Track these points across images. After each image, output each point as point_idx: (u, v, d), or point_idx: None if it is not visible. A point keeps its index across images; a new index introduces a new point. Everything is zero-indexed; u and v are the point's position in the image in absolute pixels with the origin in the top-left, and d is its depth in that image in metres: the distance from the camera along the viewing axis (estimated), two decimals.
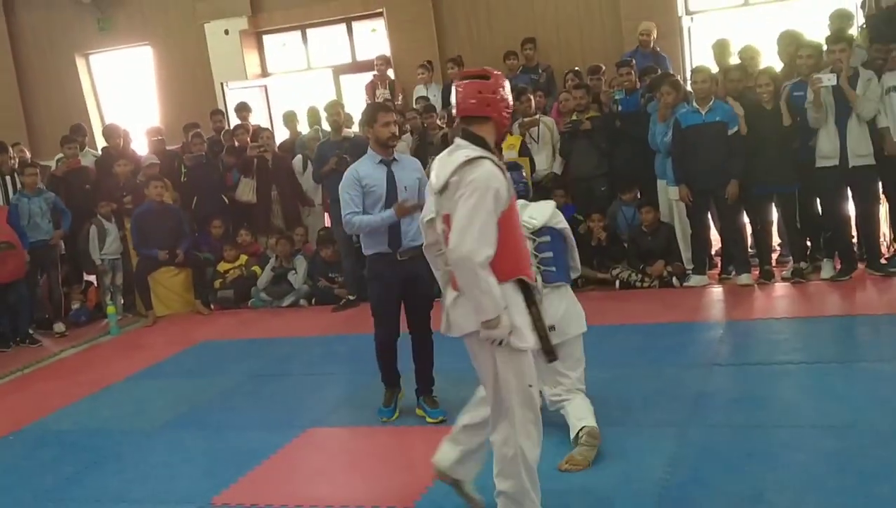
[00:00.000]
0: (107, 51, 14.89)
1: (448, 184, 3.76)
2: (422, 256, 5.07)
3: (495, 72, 3.97)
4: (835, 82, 7.40)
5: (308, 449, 5.57)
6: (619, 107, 8.94)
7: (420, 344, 5.70)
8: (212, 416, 6.35)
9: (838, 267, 7.95)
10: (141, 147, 11.19)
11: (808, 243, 8.29)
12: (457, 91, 3.90)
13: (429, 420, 5.61)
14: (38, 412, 6.90)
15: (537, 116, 9.04)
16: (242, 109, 11.19)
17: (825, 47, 7.74)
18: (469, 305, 3.74)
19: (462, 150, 3.79)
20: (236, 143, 10.38)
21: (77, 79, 14.82)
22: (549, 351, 3.89)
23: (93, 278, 10.18)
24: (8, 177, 9.59)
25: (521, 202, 4.69)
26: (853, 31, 8.44)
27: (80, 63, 14.88)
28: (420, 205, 5.24)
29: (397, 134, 5.76)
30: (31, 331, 9.23)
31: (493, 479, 3.94)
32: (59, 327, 9.49)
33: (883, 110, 7.59)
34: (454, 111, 4.01)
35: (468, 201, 3.64)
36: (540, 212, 5.09)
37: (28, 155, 11.07)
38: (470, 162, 3.71)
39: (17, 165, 9.83)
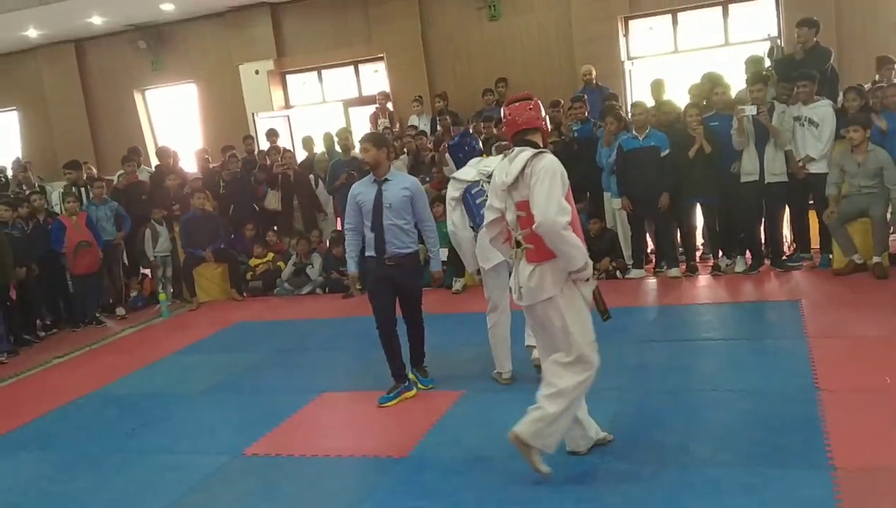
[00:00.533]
0: (159, 87, 14.78)
1: (522, 176, 3.88)
2: (405, 263, 5.40)
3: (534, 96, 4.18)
4: (755, 112, 7.44)
5: (322, 410, 5.55)
6: (575, 134, 8.93)
7: (411, 327, 5.63)
8: (244, 383, 6.33)
9: (749, 263, 7.98)
10: (188, 165, 11.12)
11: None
12: (509, 112, 4.09)
13: (419, 386, 5.58)
14: (103, 380, 6.86)
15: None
16: (271, 134, 11.12)
17: (738, 87, 7.76)
18: (545, 275, 3.88)
19: (525, 152, 3.94)
20: (268, 161, 10.33)
21: (135, 109, 14.72)
22: (603, 311, 4.07)
23: (147, 271, 10.12)
24: (82, 189, 9.56)
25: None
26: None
27: (137, 97, 14.77)
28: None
29: (368, 158, 5.43)
30: (97, 315, 9.17)
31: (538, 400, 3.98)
32: (120, 311, 9.44)
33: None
34: (504, 128, 4.17)
35: (544, 183, 3.80)
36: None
37: (95, 172, 11.01)
38: (537, 155, 3.90)
39: (87, 180, 9.79)
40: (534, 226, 3.82)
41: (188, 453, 5.01)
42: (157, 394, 6.30)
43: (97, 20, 13.07)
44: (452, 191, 5.48)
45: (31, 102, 15.15)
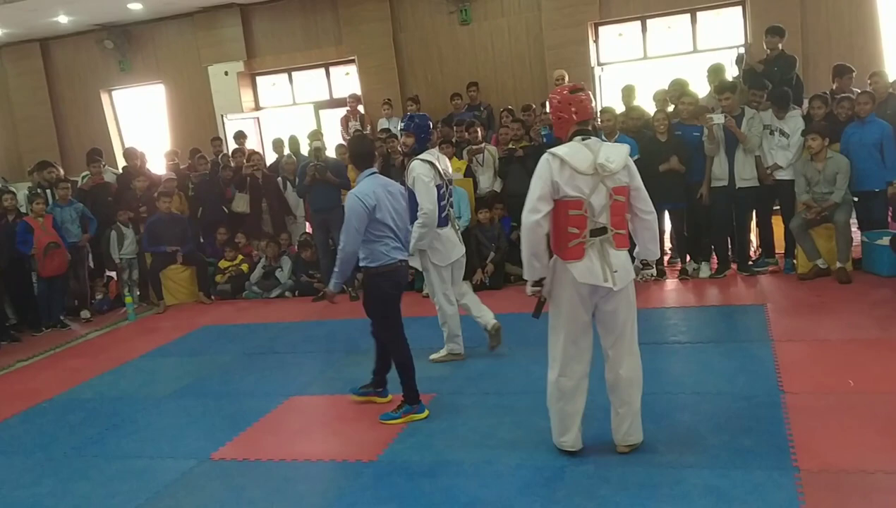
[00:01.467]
0: (126, 87, 14.60)
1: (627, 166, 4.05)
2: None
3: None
4: (723, 121, 7.54)
5: (291, 414, 5.50)
6: (545, 139, 8.98)
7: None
8: (211, 387, 6.26)
9: (714, 267, 8.07)
10: (155, 167, 10.99)
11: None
12: (584, 99, 4.11)
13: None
14: (67, 384, 6.76)
15: (483, 145, 9.04)
16: (239, 136, 11.03)
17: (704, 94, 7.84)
18: (628, 260, 4.11)
19: (618, 143, 4.33)
20: (233, 164, 10.23)
21: (101, 110, 14.52)
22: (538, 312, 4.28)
23: (113, 274, 9.98)
24: (48, 191, 9.39)
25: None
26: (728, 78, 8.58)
27: (104, 97, 14.57)
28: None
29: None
30: (62, 317, 9.02)
31: (619, 407, 4.25)
32: (85, 314, 9.31)
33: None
34: (572, 115, 4.10)
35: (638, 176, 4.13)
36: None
37: (62, 172, 10.82)
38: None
39: (53, 181, 9.62)
40: (642, 213, 4.14)
41: (154, 457, 4.95)
42: (123, 398, 6.21)
43: (63, 19, 12.88)
44: (426, 172, 5.53)
45: None
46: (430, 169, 5.80)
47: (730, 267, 8.06)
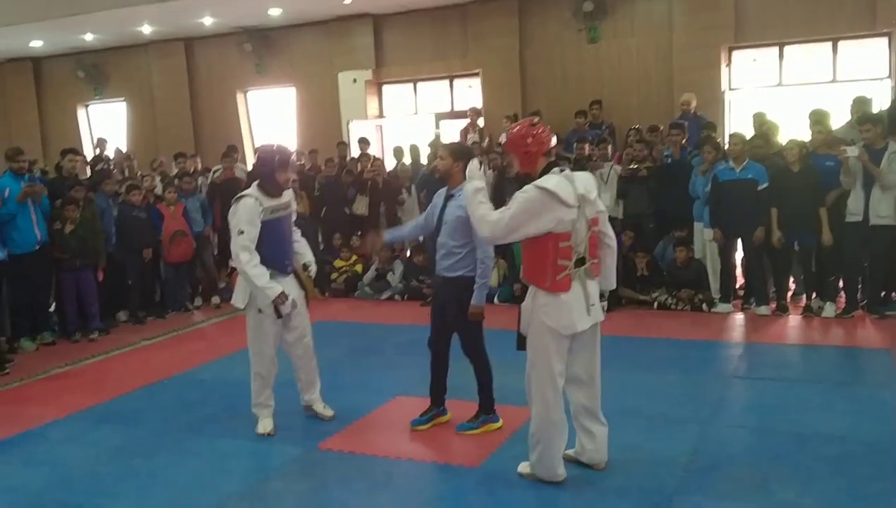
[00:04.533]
0: (261, 89, 15.26)
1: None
2: (449, 287, 4.91)
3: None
4: (857, 153, 7.20)
5: (396, 412, 5.59)
6: (668, 160, 8.82)
7: (470, 360, 5.13)
8: (322, 379, 6.40)
9: (841, 307, 7.69)
10: None
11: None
12: (546, 130, 4.10)
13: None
14: (186, 365, 7.11)
15: (611, 163, 9.04)
16: (363, 142, 11.36)
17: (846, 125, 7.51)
18: (597, 292, 4.10)
19: (584, 172, 4.27)
20: (358, 167, 10.53)
21: (236, 109, 15.21)
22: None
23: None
24: (177, 181, 9.93)
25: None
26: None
27: (239, 97, 15.27)
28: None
29: (441, 167, 5.05)
30: (187, 303, 9.47)
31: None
32: (215, 300, 9.70)
33: None
34: (538, 148, 4.05)
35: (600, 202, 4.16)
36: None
37: (200, 165, 11.44)
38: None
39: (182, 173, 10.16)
40: (606, 238, 4.14)
41: (264, 441, 5.14)
42: (237, 382, 6.39)
43: (208, 20, 13.61)
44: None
45: (139, 95, 15.87)
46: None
47: (857, 307, 7.65)
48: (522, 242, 4.01)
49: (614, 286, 4.39)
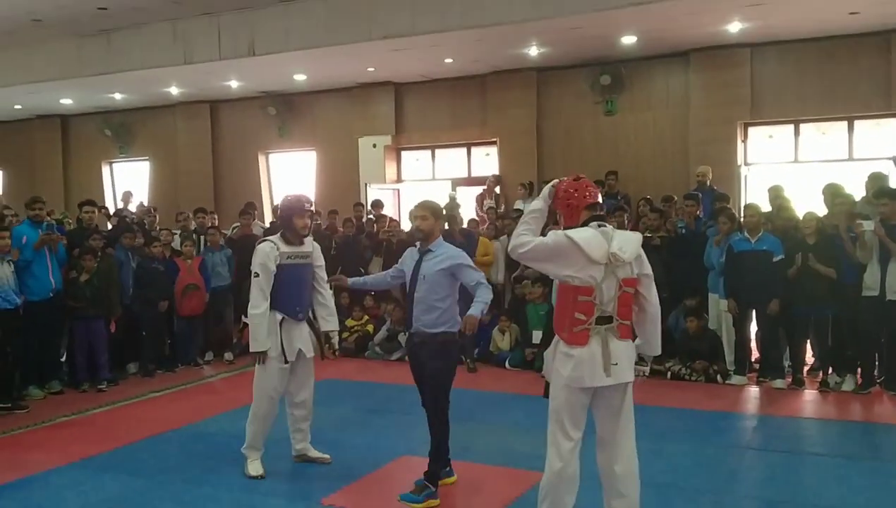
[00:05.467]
0: (282, 151, 15.55)
1: (640, 255, 3.99)
2: (429, 342, 4.85)
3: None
4: (872, 227, 7.19)
5: (400, 472, 5.49)
6: (682, 231, 8.82)
7: (429, 416, 5.04)
8: (328, 436, 6.32)
9: (859, 381, 7.55)
10: None
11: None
12: (587, 184, 4.06)
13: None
14: (193, 417, 7.06)
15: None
16: (376, 205, 11.49)
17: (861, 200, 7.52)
18: (631, 354, 3.96)
19: (634, 233, 4.13)
20: (375, 228, 10.63)
21: (257, 170, 15.51)
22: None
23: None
24: (202, 237, 10.02)
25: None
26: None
27: (261, 158, 15.59)
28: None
29: (424, 227, 4.95)
30: (196, 357, 9.44)
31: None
32: (228, 356, 9.65)
33: None
34: (596, 198, 4.06)
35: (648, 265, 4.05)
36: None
37: (217, 221, 11.56)
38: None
39: (201, 228, 10.26)
40: (647, 303, 4.01)
41: (267, 494, 5.06)
42: (243, 436, 6.33)
43: (234, 84, 13.97)
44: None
45: (163, 154, 16.22)
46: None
47: (874, 383, 7.51)
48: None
49: (658, 352, 4.18)
